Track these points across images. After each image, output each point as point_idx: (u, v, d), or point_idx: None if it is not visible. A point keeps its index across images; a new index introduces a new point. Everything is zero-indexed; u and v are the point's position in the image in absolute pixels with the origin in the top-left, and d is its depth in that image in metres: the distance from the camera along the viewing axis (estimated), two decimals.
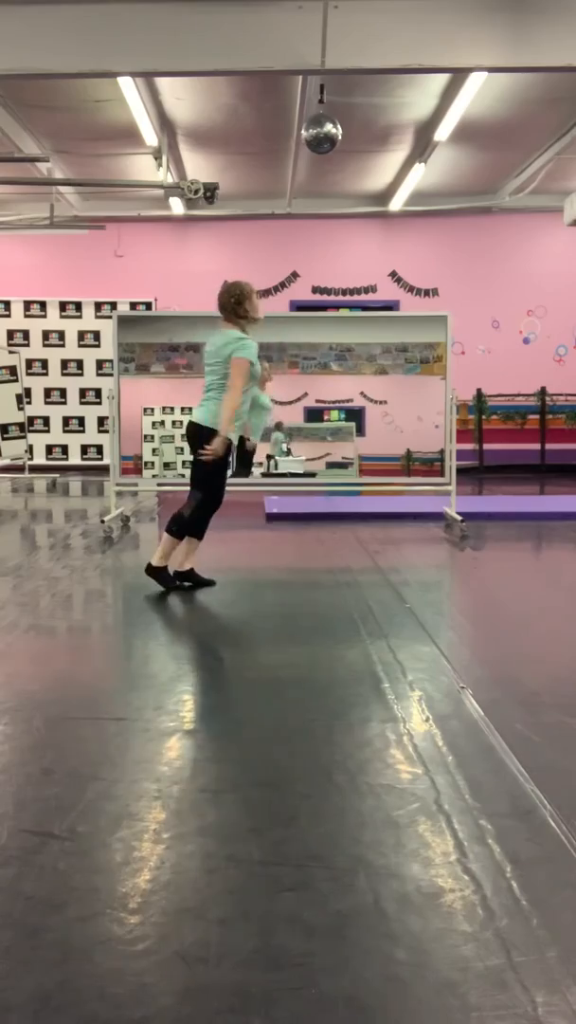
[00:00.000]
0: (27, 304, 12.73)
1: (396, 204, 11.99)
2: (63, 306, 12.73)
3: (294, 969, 1.64)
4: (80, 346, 12.80)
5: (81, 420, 12.91)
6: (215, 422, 4.71)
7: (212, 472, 4.84)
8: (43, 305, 12.73)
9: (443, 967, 1.65)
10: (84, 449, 12.94)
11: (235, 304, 4.77)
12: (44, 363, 12.80)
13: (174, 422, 12.55)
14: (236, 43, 6.17)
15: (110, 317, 9.29)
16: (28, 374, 12.53)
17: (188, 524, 4.89)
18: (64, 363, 12.84)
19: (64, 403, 12.88)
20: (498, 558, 6.47)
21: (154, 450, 12.48)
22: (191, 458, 4.93)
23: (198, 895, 1.89)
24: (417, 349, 7.88)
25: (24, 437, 11.95)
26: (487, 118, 8.90)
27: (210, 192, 9.64)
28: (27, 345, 12.66)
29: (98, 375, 12.71)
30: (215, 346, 4.81)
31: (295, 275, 12.91)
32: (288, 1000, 1.56)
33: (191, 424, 4.90)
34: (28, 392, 12.42)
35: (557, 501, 9.15)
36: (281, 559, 6.36)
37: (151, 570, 4.93)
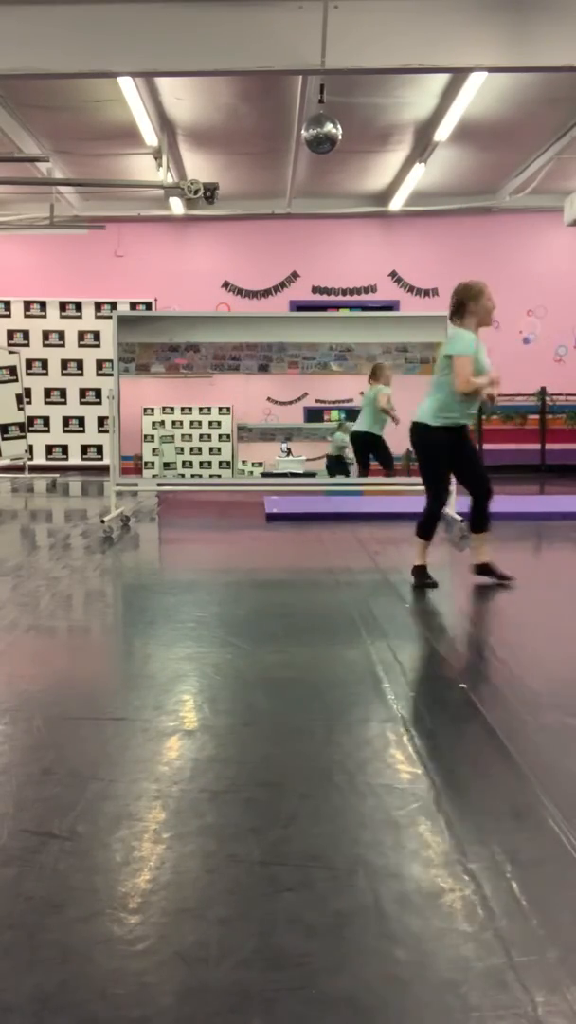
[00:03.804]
0: (27, 304, 12.73)
1: (396, 204, 11.99)
2: (63, 306, 12.73)
3: (294, 969, 1.64)
4: (80, 346, 12.80)
5: (81, 420, 12.91)
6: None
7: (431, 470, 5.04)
8: (43, 305, 12.73)
9: (443, 967, 1.65)
10: (84, 449, 12.94)
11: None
12: (44, 363, 12.81)
13: (174, 422, 12.56)
14: (236, 43, 6.17)
15: (110, 317, 9.29)
16: (28, 374, 12.53)
17: (423, 523, 5.07)
18: (64, 363, 12.84)
19: (64, 403, 12.89)
20: (498, 558, 6.46)
21: (154, 450, 12.48)
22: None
23: (198, 895, 1.89)
24: (417, 349, 7.88)
25: (24, 437, 11.95)
26: (487, 118, 8.90)
27: (210, 192, 9.64)
28: (27, 345, 12.67)
29: (98, 375, 12.72)
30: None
31: (295, 275, 12.91)
32: (288, 1000, 1.56)
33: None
34: (28, 392, 12.42)
35: (557, 501, 9.15)
36: (281, 559, 6.36)
37: (412, 569, 5.08)
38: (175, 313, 10.67)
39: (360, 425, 9.12)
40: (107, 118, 8.94)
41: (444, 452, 4.97)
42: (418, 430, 5.00)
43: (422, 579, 5.04)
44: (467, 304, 4.97)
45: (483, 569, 5.16)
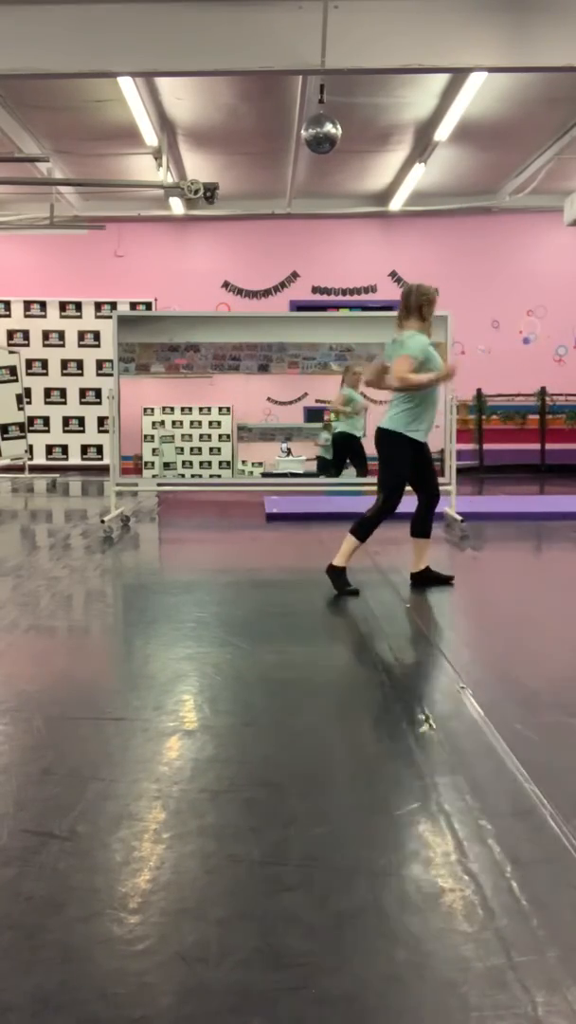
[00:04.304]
0: (27, 304, 12.73)
1: (396, 204, 11.98)
2: (63, 306, 12.73)
3: (294, 969, 1.64)
4: (80, 346, 12.80)
5: (81, 420, 12.91)
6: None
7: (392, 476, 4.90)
8: (43, 305, 12.73)
9: (443, 967, 1.65)
10: (84, 449, 12.94)
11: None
12: (44, 363, 12.80)
13: (174, 422, 12.55)
14: (236, 43, 6.17)
15: (110, 317, 9.28)
16: (28, 374, 12.53)
17: (366, 524, 4.90)
18: (64, 363, 12.84)
19: (64, 403, 12.88)
20: (498, 558, 6.47)
21: (154, 450, 12.47)
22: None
23: (198, 895, 1.89)
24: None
25: (24, 437, 11.95)
26: (487, 118, 8.90)
27: (210, 192, 9.64)
28: (27, 345, 12.66)
29: (98, 375, 12.71)
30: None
31: (295, 275, 12.91)
32: (288, 1000, 1.56)
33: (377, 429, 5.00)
34: (28, 392, 12.42)
35: (557, 501, 9.15)
36: (281, 559, 6.36)
37: (329, 569, 4.91)
38: (175, 313, 10.67)
39: (338, 427, 9.40)
40: (107, 118, 8.93)
41: (409, 460, 4.88)
42: (388, 437, 4.86)
43: (342, 583, 4.84)
44: (422, 308, 4.91)
45: (424, 576, 5.06)
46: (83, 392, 12.87)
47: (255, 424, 12.62)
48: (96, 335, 12.73)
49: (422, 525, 5.07)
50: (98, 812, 2.26)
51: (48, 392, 12.85)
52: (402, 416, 4.84)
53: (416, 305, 4.95)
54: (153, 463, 12.46)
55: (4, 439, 11.57)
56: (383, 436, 4.90)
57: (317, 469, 11.09)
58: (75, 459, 12.88)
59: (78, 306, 12.73)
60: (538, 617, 4.48)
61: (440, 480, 7.76)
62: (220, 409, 12.48)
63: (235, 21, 6.12)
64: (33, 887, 1.92)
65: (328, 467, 10.59)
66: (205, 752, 2.67)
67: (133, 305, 12.51)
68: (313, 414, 12.88)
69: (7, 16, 6.14)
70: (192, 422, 12.57)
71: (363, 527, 4.88)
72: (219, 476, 12.30)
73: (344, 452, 9.36)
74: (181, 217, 12.52)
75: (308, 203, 12.30)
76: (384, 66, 6.40)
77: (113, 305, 12.38)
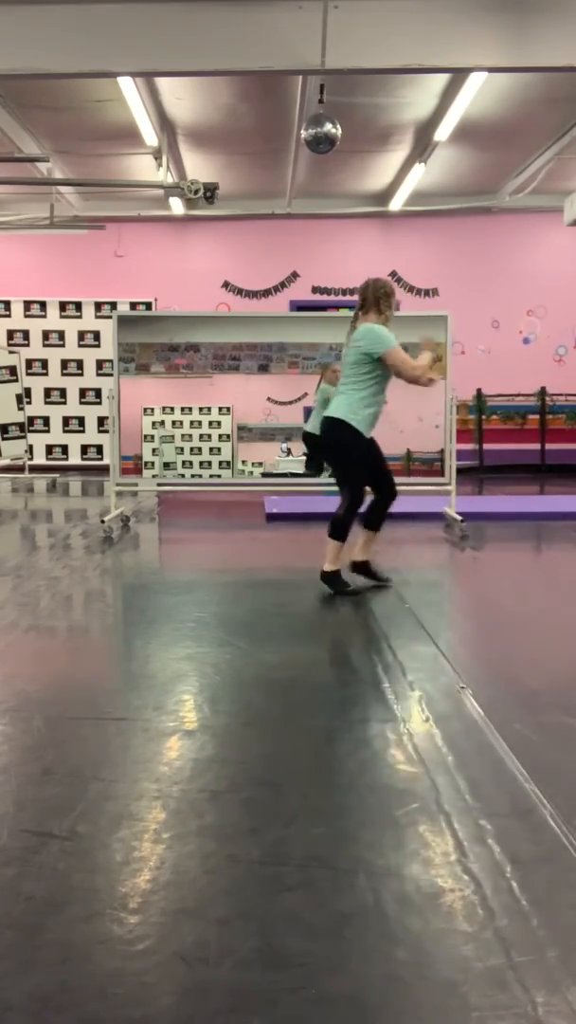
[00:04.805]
0: (27, 304, 12.72)
1: (396, 204, 11.98)
2: (63, 306, 12.73)
3: (294, 969, 1.64)
4: (80, 346, 12.80)
5: (81, 420, 12.91)
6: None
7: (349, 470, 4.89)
8: (43, 305, 12.73)
9: (443, 967, 1.65)
10: (84, 449, 12.94)
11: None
12: (44, 363, 12.80)
13: (174, 422, 12.54)
14: (236, 43, 6.16)
15: (110, 317, 9.28)
16: (28, 374, 12.52)
17: (340, 524, 4.87)
18: (64, 363, 12.83)
19: (64, 403, 12.88)
20: (498, 558, 6.47)
21: (154, 450, 12.46)
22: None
23: (198, 895, 1.89)
24: (417, 349, 7.85)
25: (24, 437, 11.95)
26: (487, 118, 8.89)
27: (210, 192, 9.63)
28: (27, 345, 12.66)
29: (98, 375, 12.71)
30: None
31: (295, 275, 12.91)
32: (288, 1000, 1.56)
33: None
34: (28, 392, 12.42)
35: (557, 501, 9.15)
36: (281, 559, 6.36)
37: (323, 576, 4.88)
38: (175, 313, 10.67)
39: (310, 426, 9.21)
40: (107, 118, 8.93)
41: (365, 451, 4.84)
42: (340, 428, 4.78)
43: (340, 586, 4.83)
44: (380, 302, 4.90)
45: (361, 567, 5.04)
46: (83, 392, 12.87)
47: (255, 424, 12.61)
48: (96, 335, 12.73)
49: (375, 519, 5.04)
50: (98, 812, 2.26)
51: (48, 392, 12.84)
52: (357, 405, 4.79)
53: (374, 298, 4.93)
54: (153, 463, 12.45)
55: (4, 439, 11.57)
56: (335, 426, 4.81)
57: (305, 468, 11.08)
58: (75, 459, 12.87)
59: (78, 306, 12.72)
60: (538, 617, 4.48)
61: (440, 480, 7.82)
62: (220, 409, 12.47)
63: (235, 21, 6.12)
64: (33, 887, 1.92)
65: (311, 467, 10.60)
66: (205, 752, 2.67)
67: (133, 305, 12.51)
68: None
69: (7, 16, 6.14)
70: (192, 422, 12.56)
71: (338, 528, 4.86)
72: (219, 476, 12.29)
73: (316, 451, 9.19)
74: (181, 217, 12.52)
75: (308, 203, 12.30)
76: (384, 66, 6.39)
77: (113, 305, 12.38)
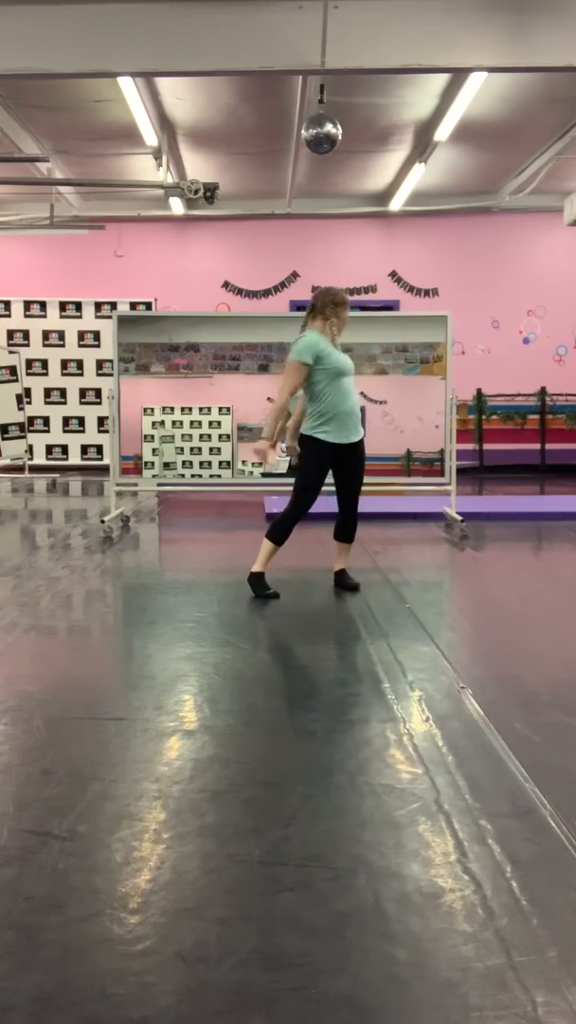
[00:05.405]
0: (27, 304, 12.72)
1: (396, 204, 11.98)
2: (63, 306, 12.72)
3: (294, 969, 1.64)
4: (80, 346, 12.79)
5: (81, 420, 12.90)
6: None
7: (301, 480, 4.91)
8: (43, 305, 12.72)
9: (443, 967, 1.65)
10: (84, 449, 12.93)
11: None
12: (44, 363, 12.80)
13: (174, 422, 12.54)
14: (236, 43, 6.16)
15: (110, 317, 9.28)
16: (28, 374, 12.52)
17: (280, 526, 4.90)
18: (64, 363, 12.83)
19: (64, 403, 12.87)
20: (498, 558, 6.47)
21: (154, 450, 12.45)
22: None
23: (198, 895, 1.89)
24: (417, 349, 7.87)
25: (24, 437, 11.95)
26: (487, 118, 8.89)
27: (210, 192, 9.63)
28: (27, 345, 12.65)
29: (98, 375, 12.70)
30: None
31: (295, 275, 12.90)
32: (288, 1000, 1.56)
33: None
34: (28, 392, 12.41)
35: (557, 501, 9.15)
36: (281, 559, 6.35)
37: (249, 577, 4.90)
38: (175, 313, 10.67)
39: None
40: (107, 118, 8.93)
41: (320, 461, 4.84)
42: (302, 438, 4.87)
43: (262, 587, 4.82)
44: (326, 309, 4.89)
45: (337, 577, 5.09)
46: (83, 392, 12.86)
47: (255, 424, 12.61)
48: (96, 335, 12.72)
49: (344, 532, 5.07)
50: (98, 812, 2.26)
51: (48, 392, 12.83)
52: (310, 418, 4.84)
53: (321, 306, 4.94)
54: (153, 463, 12.44)
55: (4, 439, 11.56)
56: (300, 438, 4.93)
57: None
58: (75, 459, 12.87)
59: (78, 306, 12.72)
60: (538, 617, 4.48)
61: (440, 480, 7.82)
62: (220, 409, 12.47)
63: (235, 21, 6.12)
64: (33, 887, 1.92)
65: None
66: (205, 752, 2.67)
67: (133, 305, 12.50)
68: None
69: (7, 16, 6.14)
70: (192, 422, 12.57)
71: (276, 530, 4.89)
72: (219, 476, 12.30)
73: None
74: (181, 217, 12.52)
75: (308, 203, 12.29)
76: (384, 66, 6.39)
77: (113, 305, 12.38)
